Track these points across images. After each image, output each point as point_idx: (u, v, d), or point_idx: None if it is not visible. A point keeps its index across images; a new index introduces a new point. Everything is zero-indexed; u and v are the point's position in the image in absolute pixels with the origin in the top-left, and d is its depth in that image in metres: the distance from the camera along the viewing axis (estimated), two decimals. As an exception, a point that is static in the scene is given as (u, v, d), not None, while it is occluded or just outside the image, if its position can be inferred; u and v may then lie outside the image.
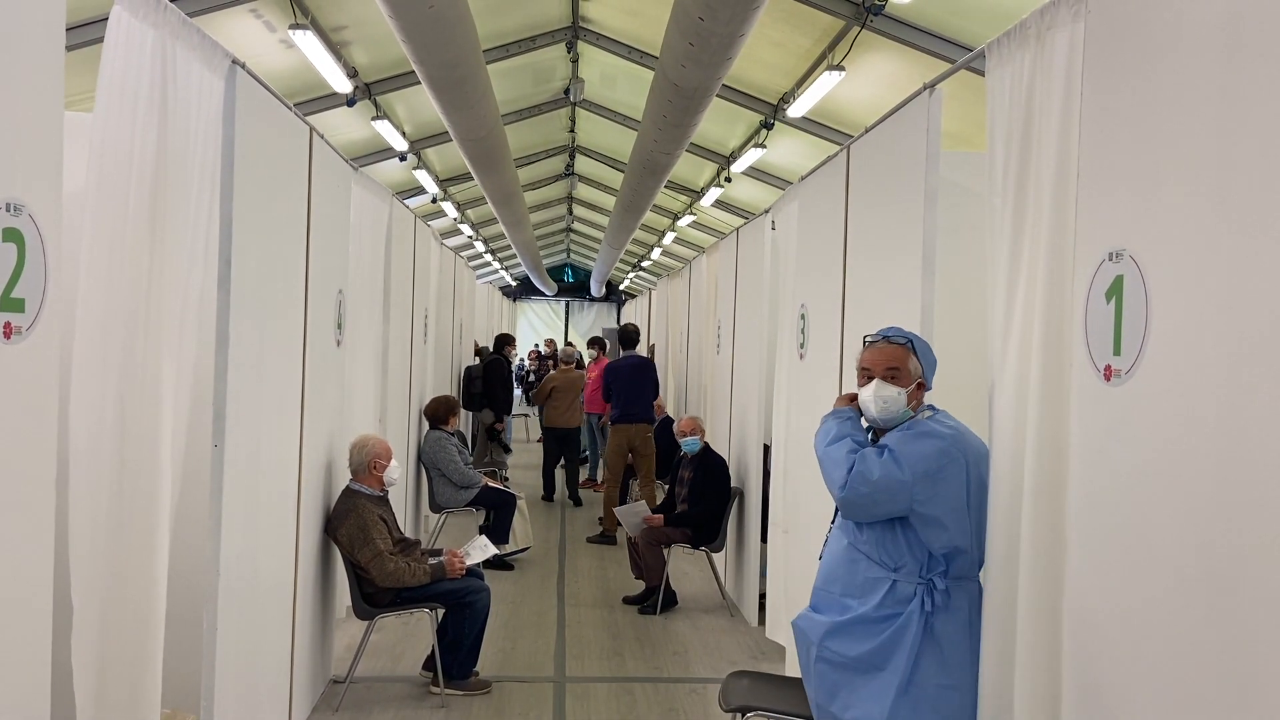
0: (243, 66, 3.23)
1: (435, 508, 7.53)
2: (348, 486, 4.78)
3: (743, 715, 3.43)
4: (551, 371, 11.82)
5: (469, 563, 4.91)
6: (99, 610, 2.57)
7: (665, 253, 20.67)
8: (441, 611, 4.83)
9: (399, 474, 4.86)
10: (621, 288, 29.68)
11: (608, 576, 7.42)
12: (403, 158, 11.67)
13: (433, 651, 4.82)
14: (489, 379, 10.64)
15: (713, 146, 11.92)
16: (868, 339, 2.89)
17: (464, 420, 11.38)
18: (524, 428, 16.75)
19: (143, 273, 2.66)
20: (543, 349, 20.52)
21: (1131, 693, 2.04)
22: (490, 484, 7.61)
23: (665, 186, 11.39)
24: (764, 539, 6.35)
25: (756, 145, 10.29)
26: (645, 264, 23.23)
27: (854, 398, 2.91)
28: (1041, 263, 2.38)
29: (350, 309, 5.18)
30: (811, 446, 4.85)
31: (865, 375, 2.84)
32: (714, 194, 13.09)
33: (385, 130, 10.13)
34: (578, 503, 10.37)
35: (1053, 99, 2.39)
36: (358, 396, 5.56)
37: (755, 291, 6.38)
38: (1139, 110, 2.06)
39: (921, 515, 2.66)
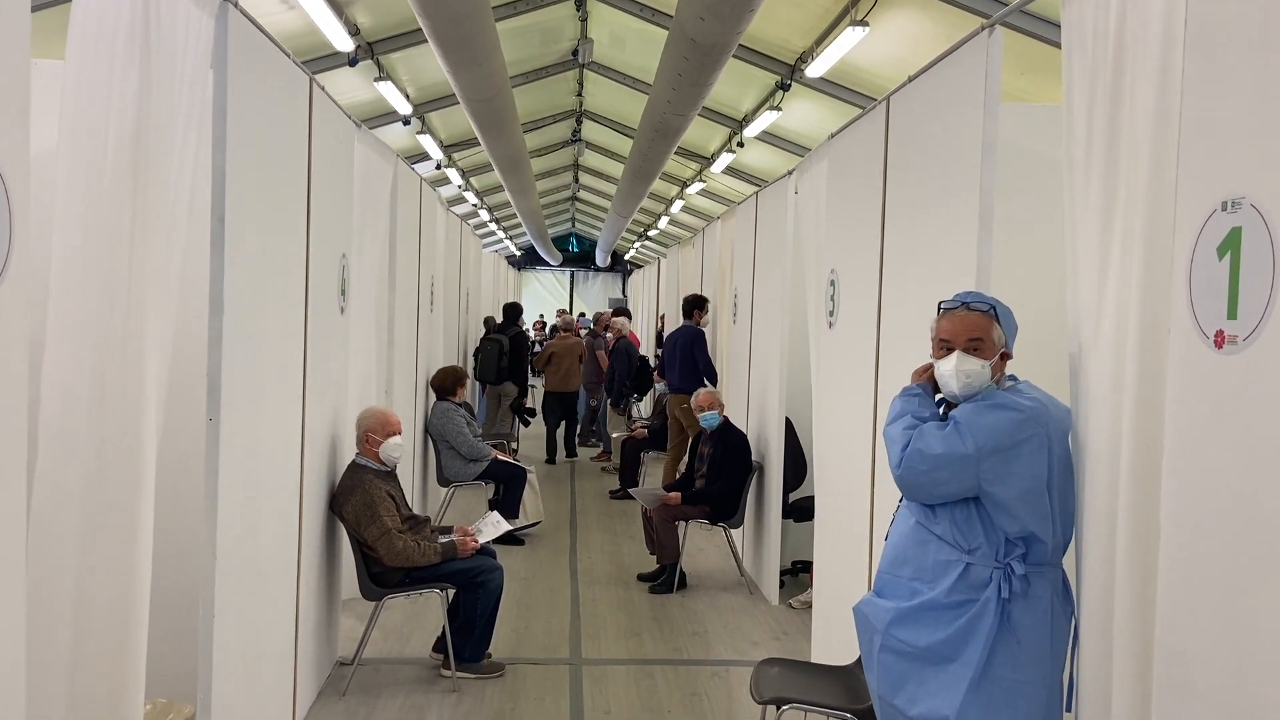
0: (235, 5, 2.96)
1: (443, 481, 7.30)
2: (354, 461, 4.54)
3: (778, 709, 3.21)
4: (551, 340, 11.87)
5: (481, 540, 4.69)
6: (72, 598, 2.33)
7: (673, 222, 20.33)
8: (453, 592, 4.61)
9: (400, 452, 4.61)
10: (627, 258, 29.38)
11: (621, 551, 7.21)
12: (406, 122, 11.34)
13: (444, 633, 4.61)
14: (516, 352, 10.41)
15: (725, 110, 11.58)
16: (944, 306, 2.62)
17: (471, 392, 11.16)
18: (531, 398, 16.42)
19: (123, 234, 2.40)
20: (554, 320, 20.28)
21: (1234, 704, 1.79)
22: (500, 457, 7.38)
23: (674, 153, 11.07)
24: (785, 515, 6.12)
25: (771, 108, 9.95)
26: (652, 233, 22.89)
27: (928, 370, 2.65)
28: (1139, 218, 2.11)
29: (354, 275, 4.92)
30: (842, 419, 4.62)
31: (943, 347, 2.58)
32: (725, 160, 12.75)
33: (388, 92, 9.80)
34: (571, 453, 11.17)
35: (1148, 27, 2.11)
36: (363, 366, 5.31)
37: (777, 258, 6.11)
38: (1265, 31, 1.78)
39: (991, 496, 2.41)
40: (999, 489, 2.41)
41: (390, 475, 4.59)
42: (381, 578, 4.46)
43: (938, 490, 2.49)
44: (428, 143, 12.17)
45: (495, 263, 16.12)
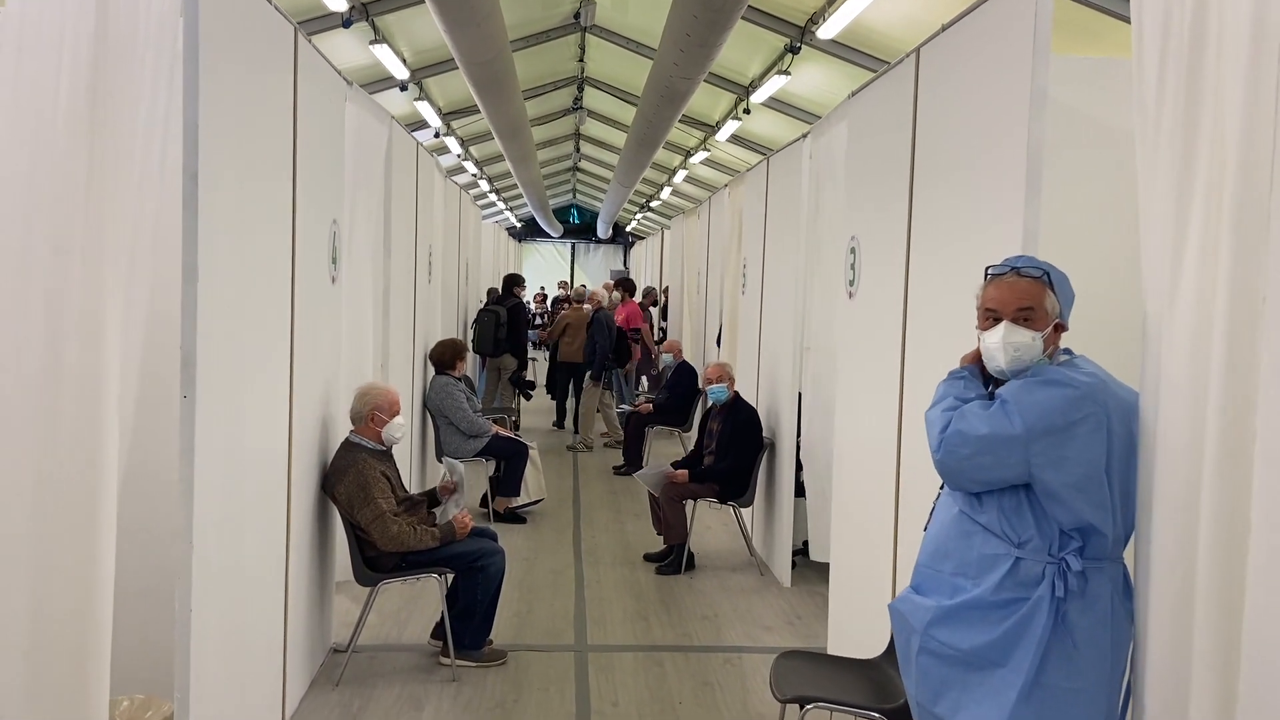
0: (208, -62, 2.68)
1: (442, 458, 7.06)
2: (347, 439, 4.30)
3: (801, 708, 2.98)
4: (564, 310, 11.89)
5: (451, 513, 4.41)
6: (27, 589, 2.09)
7: (676, 193, 19.99)
8: (451, 576, 4.38)
9: (403, 432, 4.37)
10: (629, 229, 29.04)
11: (626, 530, 6.99)
12: (403, 87, 11.02)
13: (442, 619, 4.39)
14: (514, 324, 10.12)
15: (730, 76, 11.24)
16: (992, 272, 2.36)
17: (471, 365, 10.91)
18: (532, 371, 16.16)
19: (77, 186, 2.15)
20: (555, 292, 20.02)
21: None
22: (501, 432, 7.14)
23: (678, 121, 10.74)
24: (799, 494, 5.89)
25: (780, 72, 9.62)
26: (654, 204, 22.55)
27: (979, 355, 2.40)
28: (1229, 174, 1.85)
29: (346, 242, 4.66)
30: (859, 394, 4.38)
31: (990, 317, 2.32)
32: (730, 128, 12.42)
33: (385, 56, 9.48)
34: (577, 429, 10.91)
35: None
36: (357, 339, 5.06)
37: (790, 226, 5.84)
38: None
39: (1043, 483, 2.17)
40: (1051, 475, 2.16)
41: (386, 455, 4.35)
42: (376, 562, 4.23)
43: (982, 476, 2.24)
44: (426, 110, 11.84)
45: (495, 234, 15.81)
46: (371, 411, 4.28)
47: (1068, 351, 2.34)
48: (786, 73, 9.59)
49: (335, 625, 4.66)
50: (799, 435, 5.78)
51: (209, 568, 2.87)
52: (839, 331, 4.67)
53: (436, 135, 13.24)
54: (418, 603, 5.18)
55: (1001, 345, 2.26)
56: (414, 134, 7.16)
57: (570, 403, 10.95)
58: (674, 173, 17.90)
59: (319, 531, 4.23)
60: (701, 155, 15.16)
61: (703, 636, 4.91)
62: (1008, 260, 2.34)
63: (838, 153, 4.74)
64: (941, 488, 2.44)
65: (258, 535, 3.38)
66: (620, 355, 10.23)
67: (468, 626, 4.35)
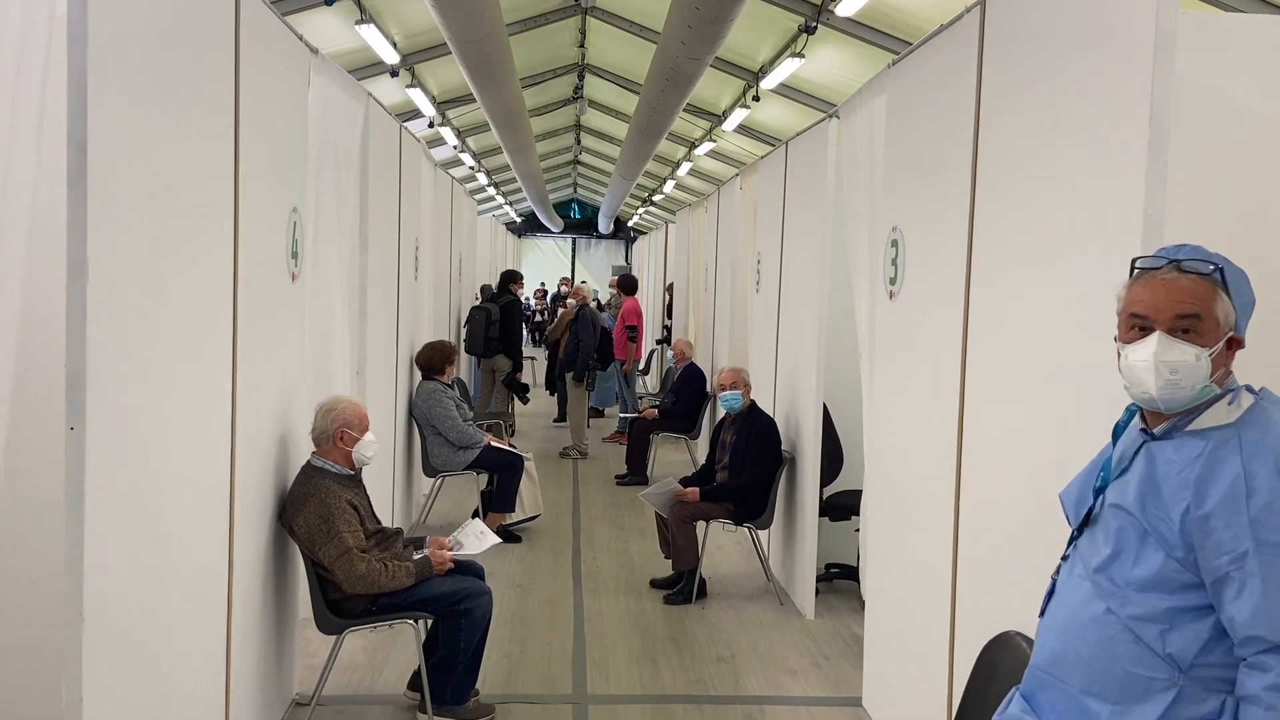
0: None
1: (430, 471, 6.47)
2: (309, 462, 3.71)
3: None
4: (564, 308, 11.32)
5: (461, 554, 3.86)
6: None
7: (679, 186, 19.38)
8: (430, 621, 3.79)
9: (374, 450, 3.78)
10: (630, 224, 28.44)
11: (630, 550, 6.40)
12: (394, 73, 10.42)
13: (418, 672, 3.80)
14: (506, 322, 9.48)
15: (739, 60, 10.63)
16: (1140, 265, 1.74)
17: (465, 366, 10.32)
18: (531, 371, 15.57)
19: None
20: (557, 289, 19.44)
21: None
22: (494, 443, 6.54)
23: (682, 110, 10.11)
24: (822, 513, 5.30)
25: (793, 55, 9.01)
26: (657, 198, 21.93)
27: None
28: None
29: (311, 234, 4.06)
30: (905, 405, 3.78)
31: (1135, 326, 1.71)
32: (738, 117, 11.79)
33: (373, 38, 8.88)
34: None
35: None
36: (323, 344, 4.46)
37: (813, 217, 5.24)
38: None
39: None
40: None
41: (354, 480, 3.76)
42: (341, 606, 3.64)
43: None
44: (419, 98, 11.23)
45: (493, 228, 15.17)
46: (339, 430, 3.69)
47: (1248, 389, 1.70)
48: (800, 55, 8.98)
49: (299, 671, 4.07)
50: (818, 451, 5.18)
51: (109, 638, 2.29)
52: (876, 335, 4.07)
53: (431, 125, 12.64)
54: (394, 643, 4.58)
55: (1153, 365, 1.65)
56: (406, 124, 6.60)
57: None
58: (678, 165, 17.27)
59: (275, 568, 3.64)
60: (707, 146, 14.53)
61: (719, 684, 4.31)
62: (1163, 251, 1.73)
63: (875, 131, 4.14)
64: (1067, 552, 1.83)
65: (186, 576, 2.79)
66: (604, 356, 9.53)
67: (449, 679, 3.76)
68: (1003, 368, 2.81)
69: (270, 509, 3.56)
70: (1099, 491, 1.78)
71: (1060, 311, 2.47)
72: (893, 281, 3.80)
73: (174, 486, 2.66)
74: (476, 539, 3.94)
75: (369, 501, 3.82)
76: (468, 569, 3.90)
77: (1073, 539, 1.82)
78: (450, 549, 3.90)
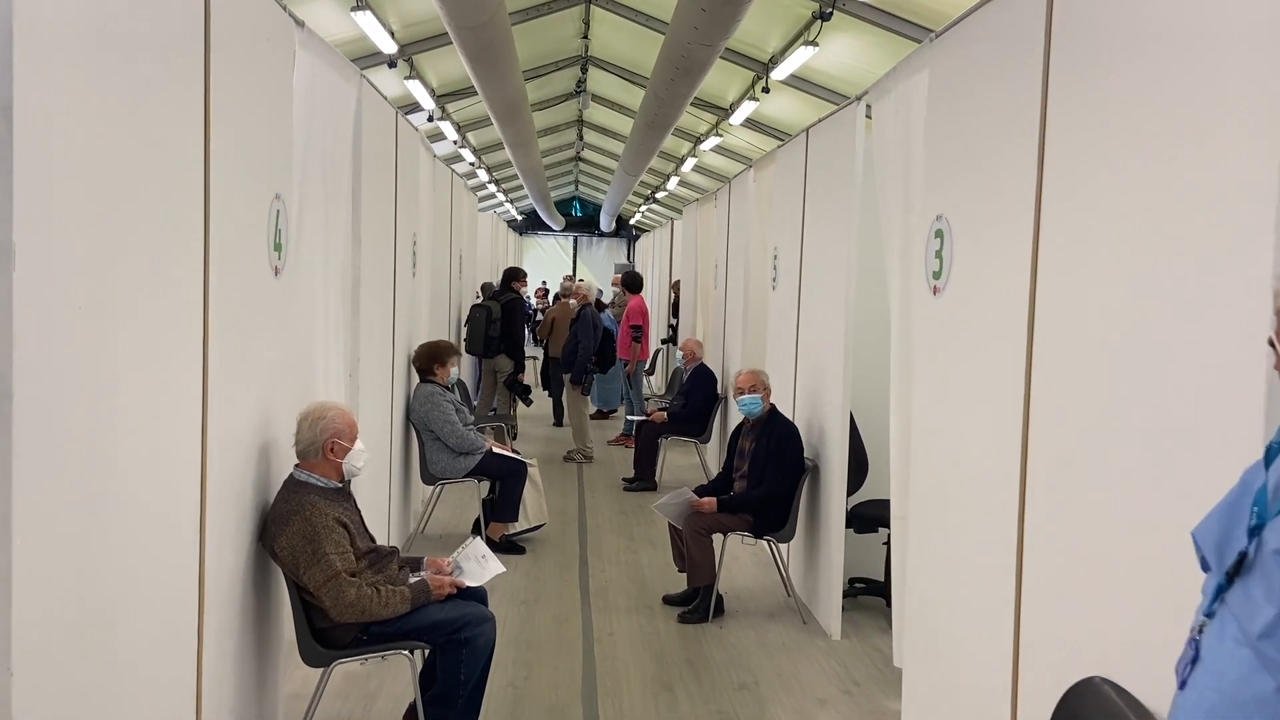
0: None
1: (429, 479, 6.13)
2: (292, 476, 3.36)
3: None
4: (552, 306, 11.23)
5: (468, 582, 3.52)
6: None
7: (683, 183, 19.02)
8: (427, 651, 3.44)
9: (365, 460, 3.43)
10: (633, 222, 28.08)
11: (640, 561, 6.05)
12: (392, 64, 10.07)
13: (414, 705, 3.45)
14: (509, 321, 9.09)
15: (748, 51, 10.28)
16: None
17: (467, 367, 9.97)
18: (533, 370, 15.17)
19: None
20: (560, 286, 19.07)
21: None
22: (496, 449, 6.19)
23: (688, 104, 9.75)
24: (848, 525, 4.95)
25: (806, 43, 8.66)
26: (660, 195, 21.58)
27: None
28: None
29: (296, 225, 3.72)
30: (956, 419, 3.44)
31: None
32: (746, 110, 11.43)
33: (369, 25, 8.53)
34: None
35: None
36: (313, 345, 4.11)
37: (838, 208, 4.89)
38: None
39: None
40: None
41: (342, 494, 3.41)
42: (329, 635, 3.29)
43: None
44: (418, 90, 10.88)
45: (494, 224, 14.80)
46: (330, 440, 3.34)
47: None
48: (814, 43, 8.62)
49: (284, 702, 3.71)
50: (845, 458, 4.84)
51: (47, 689, 1.94)
52: (913, 332, 3.72)
53: (430, 119, 12.28)
54: (387, 671, 4.22)
55: None
56: (406, 117, 6.27)
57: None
58: (682, 161, 16.92)
59: (255, 594, 3.29)
60: (713, 142, 14.17)
61: (743, 715, 3.96)
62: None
63: (914, 110, 3.79)
64: (1208, 612, 1.48)
65: (148, 617, 2.45)
66: (603, 359, 9.11)
67: (448, 714, 3.40)
68: (1080, 370, 2.46)
69: (249, 528, 3.21)
70: (1254, 531, 1.43)
71: (1160, 309, 2.12)
72: (936, 275, 3.45)
73: (132, 509, 2.31)
74: (478, 564, 3.58)
75: (360, 517, 3.47)
76: (469, 591, 3.55)
77: (1219, 591, 1.46)
78: (450, 571, 3.55)
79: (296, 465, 3.38)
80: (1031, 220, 2.72)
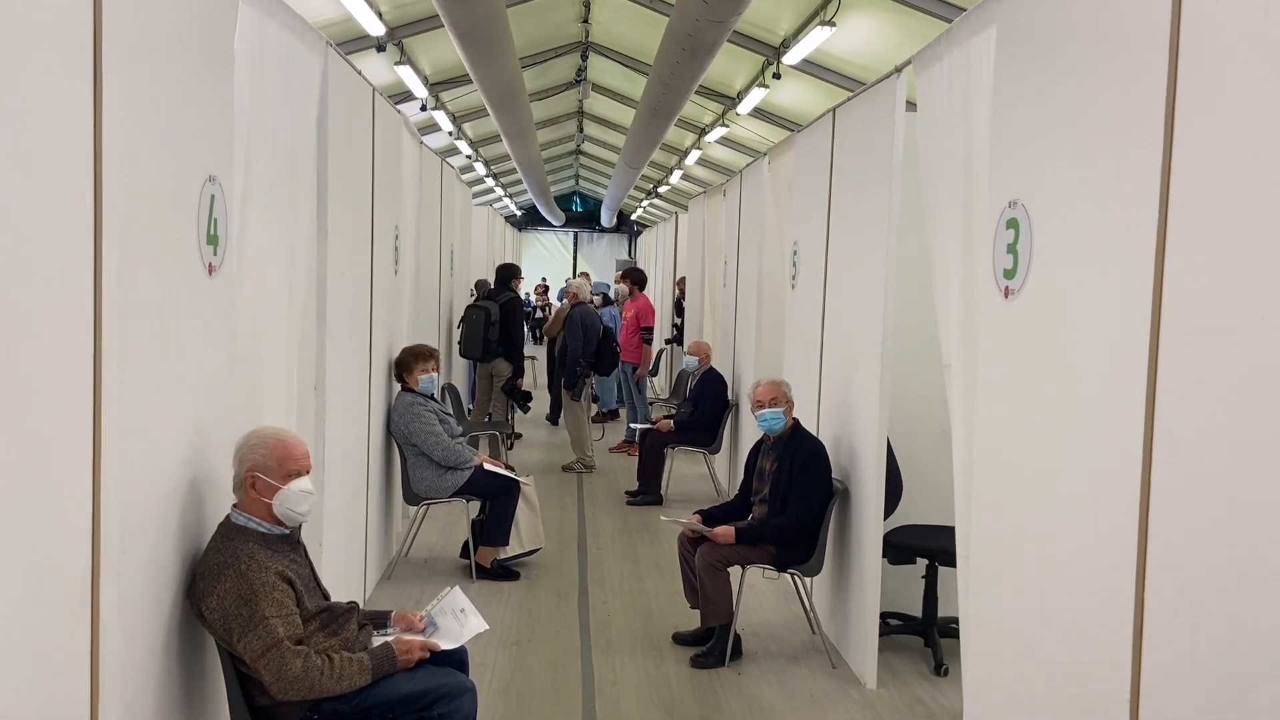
0: None
1: (412, 498, 5.53)
2: (228, 519, 2.76)
3: None
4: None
5: (443, 644, 2.92)
6: None
7: (686, 177, 18.40)
8: (393, 730, 2.85)
9: (310, 504, 2.82)
10: (634, 217, 27.47)
11: (646, 591, 5.46)
12: (381, 47, 9.48)
13: (379, 794, 2.86)
14: (507, 322, 8.47)
15: (757, 34, 9.67)
16: None
17: (461, 371, 9.37)
18: (532, 371, 14.51)
19: None
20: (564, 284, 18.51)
21: None
22: (486, 465, 5.60)
23: (693, 92, 9.13)
24: (885, 555, 4.35)
25: (823, 23, 8.06)
26: (662, 190, 20.97)
27: None
28: None
29: (240, 215, 3.11)
30: (1014, 429, 2.85)
31: None
32: (755, 98, 10.82)
33: (355, 7, 7.94)
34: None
35: None
36: (262, 355, 3.49)
37: (872, 196, 4.29)
38: None
39: None
40: None
41: (288, 541, 2.81)
42: (271, 715, 2.69)
43: None
44: (410, 77, 10.28)
45: (490, 219, 14.16)
46: (248, 474, 2.74)
47: None
48: (830, 23, 8.02)
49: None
50: (882, 480, 4.24)
51: None
52: (979, 342, 3.12)
53: (424, 108, 11.68)
54: None
55: None
56: (398, 107, 5.70)
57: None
58: (685, 154, 16.32)
59: (181, 668, 2.69)
60: (718, 132, 13.57)
61: (770, 791, 3.37)
62: None
63: (976, 80, 3.19)
64: None
65: (30, 687, 1.86)
66: (601, 361, 8.46)
67: (419, 804, 2.81)
68: (1230, 394, 1.87)
69: (171, 585, 2.61)
70: None
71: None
72: (1010, 274, 2.85)
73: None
74: (456, 621, 2.98)
75: (312, 570, 2.87)
76: (444, 655, 2.95)
77: None
78: (423, 628, 2.96)
79: (234, 505, 2.78)
80: (1156, 203, 2.12)
